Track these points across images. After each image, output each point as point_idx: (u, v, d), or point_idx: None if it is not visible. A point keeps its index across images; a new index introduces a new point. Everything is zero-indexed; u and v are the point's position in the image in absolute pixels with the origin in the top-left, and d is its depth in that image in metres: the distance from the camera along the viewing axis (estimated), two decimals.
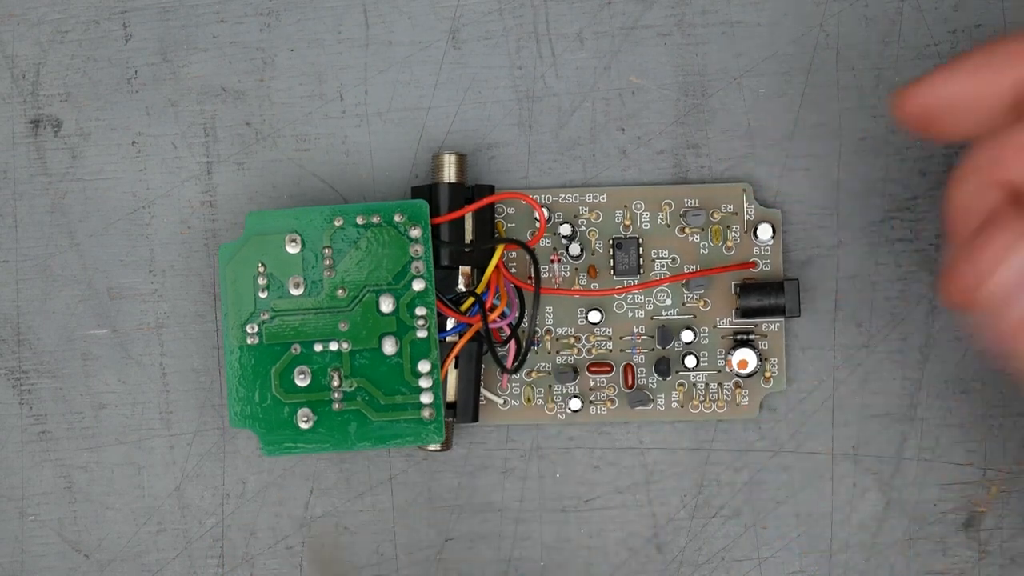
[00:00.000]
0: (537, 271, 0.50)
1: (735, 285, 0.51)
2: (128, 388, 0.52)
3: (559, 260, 0.51)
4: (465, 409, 0.50)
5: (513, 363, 0.50)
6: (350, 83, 0.52)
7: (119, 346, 0.52)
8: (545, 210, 0.51)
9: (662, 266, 0.51)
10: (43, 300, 0.52)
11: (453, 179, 0.50)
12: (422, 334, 0.49)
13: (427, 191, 0.50)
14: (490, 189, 0.50)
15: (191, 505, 0.52)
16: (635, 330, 0.51)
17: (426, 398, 0.49)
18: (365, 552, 0.52)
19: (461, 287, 0.50)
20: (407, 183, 0.52)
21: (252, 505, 0.52)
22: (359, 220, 0.49)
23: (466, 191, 0.50)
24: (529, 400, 0.51)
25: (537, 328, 0.51)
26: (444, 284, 0.50)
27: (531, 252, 0.49)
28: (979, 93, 0.44)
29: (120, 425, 0.52)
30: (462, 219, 0.50)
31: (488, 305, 0.50)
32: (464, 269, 0.50)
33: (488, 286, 0.50)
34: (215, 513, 0.52)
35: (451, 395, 0.50)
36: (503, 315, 0.50)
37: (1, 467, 0.52)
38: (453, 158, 0.50)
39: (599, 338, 0.51)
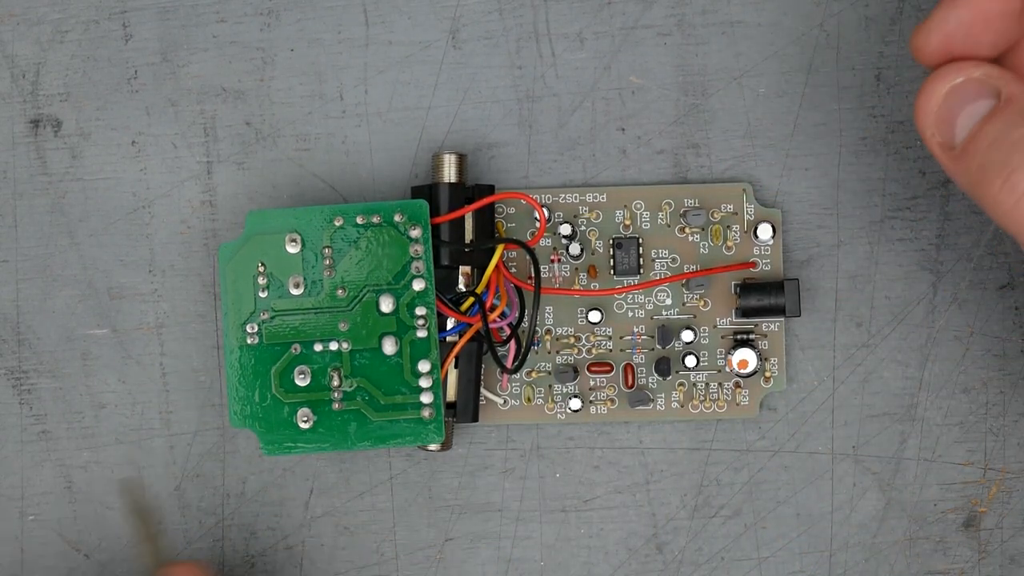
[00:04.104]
0: (537, 271, 0.50)
1: (735, 285, 0.51)
2: (128, 388, 0.52)
3: (559, 260, 0.51)
4: (465, 409, 0.50)
5: (513, 363, 0.50)
6: (350, 83, 0.52)
7: (119, 346, 0.52)
8: (545, 210, 0.51)
9: (662, 266, 0.51)
10: (43, 300, 0.52)
11: (453, 179, 0.50)
12: (422, 334, 0.49)
13: (427, 191, 0.50)
14: (490, 189, 0.50)
15: (191, 505, 0.52)
16: (635, 330, 0.51)
17: (426, 398, 0.49)
18: (365, 552, 0.52)
19: (461, 287, 0.50)
20: (407, 183, 0.52)
21: (252, 505, 0.52)
22: (359, 220, 0.49)
23: (466, 191, 0.50)
24: (529, 400, 0.51)
25: (537, 328, 0.51)
26: (444, 284, 0.50)
27: (531, 252, 0.49)
28: (986, 8, 0.44)
29: (120, 425, 0.52)
30: (462, 219, 0.50)
31: (488, 305, 0.50)
32: (464, 269, 0.50)
33: (488, 286, 0.50)
34: (215, 513, 0.52)
35: (451, 395, 0.50)
36: (503, 315, 0.50)
37: (1, 467, 0.52)
38: (453, 158, 0.50)
39: (599, 338, 0.51)
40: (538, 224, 0.51)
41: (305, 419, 0.49)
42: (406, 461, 0.52)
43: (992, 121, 0.43)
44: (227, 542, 0.52)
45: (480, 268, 0.50)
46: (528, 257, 0.51)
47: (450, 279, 0.50)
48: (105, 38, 0.52)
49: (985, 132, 0.43)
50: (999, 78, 0.44)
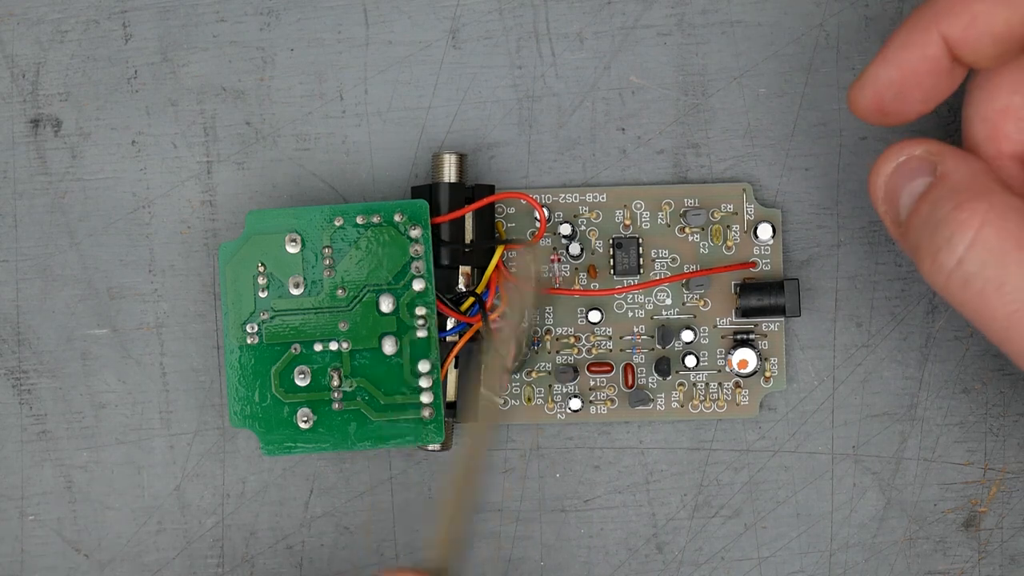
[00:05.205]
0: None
1: (735, 285, 0.51)
2: (128, 388, 0.52)
3: (559, 260, 0.51)
4: (465, 409, 0.50)
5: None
6: (350, 83, 0.52)
7: (119, 346, 0.52)
8: (545, 210, 0.51)
9: (662, 266, 0.51)
10: (43, 300, 0.52)
11: (453, 179, 0.50)
12: (422, 334, 0.49)
13: (427, 191, 0.50)
14: (490, 189, 0.50)
15: (191, 505, 0.52)
16: (635, 330, 0.51)
17: (426, 398, 0.49)
18: (365, 552, 0.52)
19: (461, 287, 0.50)
20: (407, 183, 0.52)
21: (252, 505, 0.52)
22: (359, 220, 0.49)
23: (466, 191, 0.50)
24: (529, 400, 0.51)
25: (537, 328, 0.51)
26: (444, 284, 0.50)
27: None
28: (914, 67, 0.45)
29: (120, 425, 0.52)
30: (462, 219, 0.50)
31: (488, 305, 0.50)
32: (464, 269, 0.50)
33: (488, 286, 0.50)
34: (215, 513, 0.52)
35: (451, 395, 0.50)
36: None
37: (1, 467, 0.52)
38: (453, 158, 0.50)
39: (599, 338, 0.51)
40: (538, 224, 0.51)
41: (305, 419, 0.49)
42: (406, 461, 0.52)
43: (924, 199, 0.44)
44: (227, 542, 0.52)
45: (480, 268, 0.50)
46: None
47: (450, 279, 0.50)
48: (105, 38, 0.52)
49: (918, 211, 0.44)
50: (937, 154, 0.44)
